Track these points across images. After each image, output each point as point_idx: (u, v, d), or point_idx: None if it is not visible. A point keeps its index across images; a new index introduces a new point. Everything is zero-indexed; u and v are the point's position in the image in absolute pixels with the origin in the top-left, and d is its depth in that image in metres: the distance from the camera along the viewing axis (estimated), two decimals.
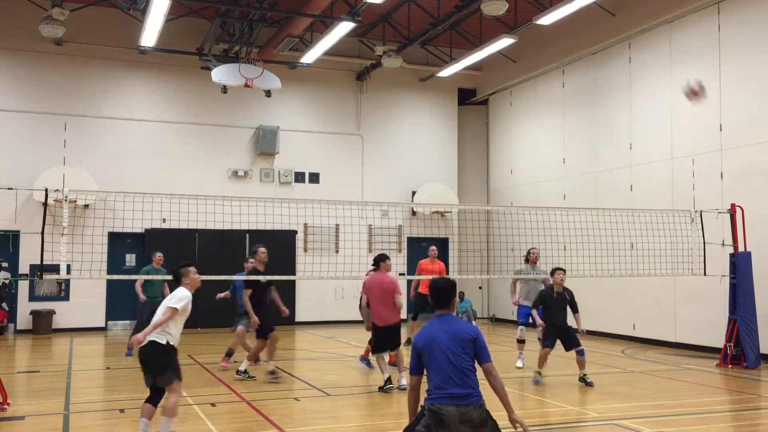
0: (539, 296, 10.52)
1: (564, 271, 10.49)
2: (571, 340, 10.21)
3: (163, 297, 13.47)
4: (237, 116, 19.11)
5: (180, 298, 6.58)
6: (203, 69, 17.66)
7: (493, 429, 4.59)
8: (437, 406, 4.52)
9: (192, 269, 6.78)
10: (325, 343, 15.35)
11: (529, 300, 11.30)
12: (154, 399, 6.60)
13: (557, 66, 18.30)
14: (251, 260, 10.73)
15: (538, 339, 10.89)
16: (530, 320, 10.96)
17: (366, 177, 20.29)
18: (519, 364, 11.76)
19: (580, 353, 10.10)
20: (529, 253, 11.97)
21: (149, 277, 12.75)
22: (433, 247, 14.64)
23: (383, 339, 9.66)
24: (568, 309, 10.40)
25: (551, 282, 10.50)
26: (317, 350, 14.11)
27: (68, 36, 16.83)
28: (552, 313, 10.24)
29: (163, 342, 6.44)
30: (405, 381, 9.45)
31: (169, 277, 13.12)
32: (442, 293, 4.93)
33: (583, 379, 10.16)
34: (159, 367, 6.45)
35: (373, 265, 10.00)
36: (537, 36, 17.98)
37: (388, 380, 9.48)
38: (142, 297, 13.07)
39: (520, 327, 11.75)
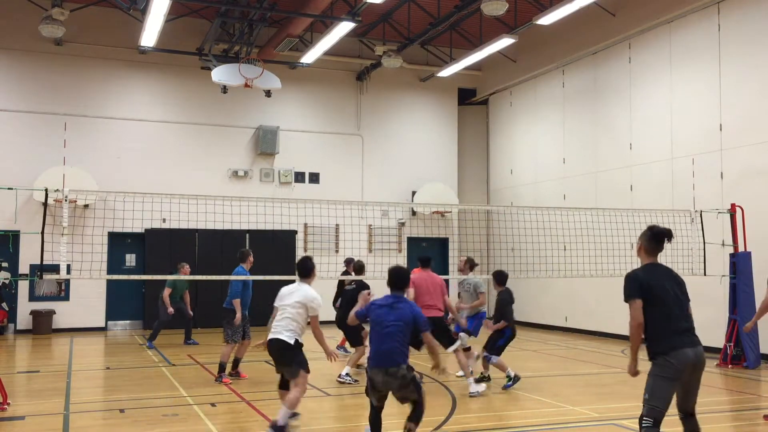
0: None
1: None
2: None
3: (183, 301, 14.83)
4: (237, 116, 19.10)
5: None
6: (203, 69, 17.66)
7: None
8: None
9: None
10: None
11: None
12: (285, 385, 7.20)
13: (557, 66, 18.30)
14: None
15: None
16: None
17: (366, 177, 20.29)
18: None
19: None
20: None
21: (172, 277, 13.95)
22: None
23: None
24: None
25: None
26: (317, 350, 14.06)
27: (68, 36, 16.82)
28: None
29: (292, 342, 7.22)
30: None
31: (192, 277, 13.91)
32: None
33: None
34: (286, 362, 7.14)
35: (421, 264, 10.18)
36: (537, 36, 17.97)
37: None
38: (170, 310, 14.29)
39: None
